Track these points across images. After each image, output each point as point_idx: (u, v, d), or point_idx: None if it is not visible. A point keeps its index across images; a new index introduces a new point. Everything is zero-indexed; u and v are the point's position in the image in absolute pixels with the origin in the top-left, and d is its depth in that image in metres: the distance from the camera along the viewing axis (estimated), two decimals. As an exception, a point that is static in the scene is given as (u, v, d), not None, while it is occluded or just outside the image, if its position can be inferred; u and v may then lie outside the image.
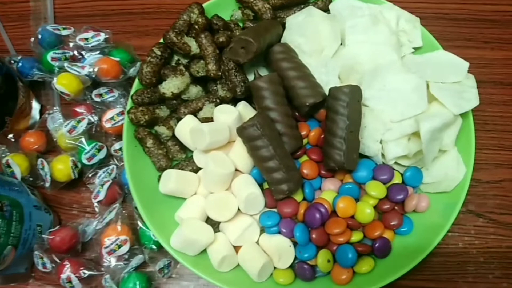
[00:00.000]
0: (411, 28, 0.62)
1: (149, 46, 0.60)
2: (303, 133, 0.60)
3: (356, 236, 0.54)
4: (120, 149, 0.62)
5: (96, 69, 0.60)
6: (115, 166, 0.62)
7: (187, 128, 0.58)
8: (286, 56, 0.60)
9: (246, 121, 0.54)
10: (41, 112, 0.67)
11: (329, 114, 0.55)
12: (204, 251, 0.55)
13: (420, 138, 0.55)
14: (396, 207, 0.57)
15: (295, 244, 0.55)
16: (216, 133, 0.55)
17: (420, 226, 0.56)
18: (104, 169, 0.61)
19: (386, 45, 0.58)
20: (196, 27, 0.62)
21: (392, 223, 0.55)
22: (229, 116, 0.57)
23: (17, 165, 0.59)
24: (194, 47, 0.61)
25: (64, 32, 0.64)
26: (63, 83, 0.60)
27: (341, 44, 0.61)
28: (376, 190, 0.55)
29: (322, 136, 0.59)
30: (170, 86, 0.59)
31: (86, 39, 0.64)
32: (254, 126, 0.53)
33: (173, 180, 0.55)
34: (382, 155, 0.58)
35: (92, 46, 0.63)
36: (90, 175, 0.61)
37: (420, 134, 0.54)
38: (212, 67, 0.60)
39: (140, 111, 0.59)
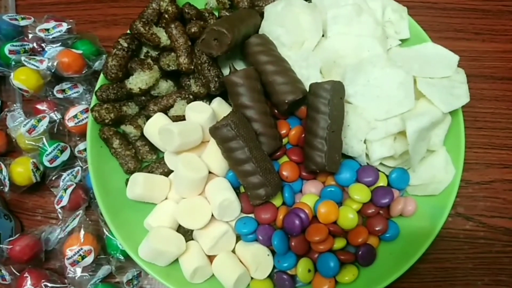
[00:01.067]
0: (397, 19, 0.58)
1: (117, 37, 0.55)
2: (283, 132, 0.55)
3: (339, 243, 0.51)
4: (85, 149, 0.57)
5: (56, 63, 0.55)
6: (80, 168, 0.57)
7: (156, 128, 0.53)
8: (263, 49, 0.55)
9: (220, 121, 0.49)
10: (1, 109, 0.62)
11: (309, 112, 0.51)
12: (176, 260, 0.51)
13: (407, 137, 0.51)
14: (381, 211, 0.53)
15: (273, 252, 0.51)
16: (187, 134, 0.50)
17: (406, 231, 0.53)
18: (69, 171, 0.57)
19: (370, 37, 0.54)
20: (166, 16, 0.57)
21: (377, 229, 0.52)
22: (202, 114, 0.52)
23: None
24: (163, 39, 0.56)
25: (23, 23, 0.59)
26: (20, 79, 0.55)
27: (322, 35, 0.57)
28: (359, 193, 0.52)
29: (303, 135, 0.55)
30: (138, 81, 0.54)
31: (47, 29, 0.58)
32: (228, 126, 0.48)
33: (140, 184, 0.51)
34: (367, 155, 0.54)
35: (53, 38, 0.58)
36: (53, 178, 0.57)
37: (406, 133, 0.50)
38: (183, 60, 0.55)
39: (105, 109, 0.54)
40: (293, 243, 0.50)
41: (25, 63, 0.54)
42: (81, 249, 0.50)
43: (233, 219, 0.52)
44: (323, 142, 0.50)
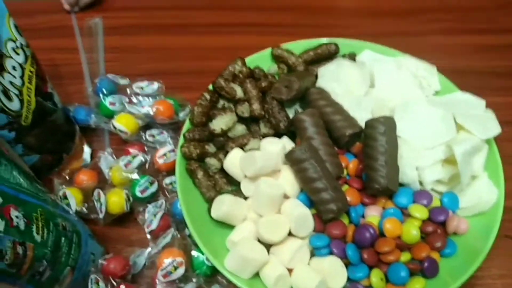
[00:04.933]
0: (429, 75, 0.71)
1: (193, 99, 0.67)
2: (343, 164, 0.64)
3: (405, 257, 0.56)
4: (171, 183, 0.66)
5: (154, 109, 0.67)
6: (163, 201, 0.64)
7: (236, 160, 0.62)
8: (322, 96, 0.67)
9: (293, 147, 0.59)
10: (92, 156, 0.72)
11: (367, 142, 0.61)
12: (257, 275, 0.56)
13: (452, 163, 0.60)
14: (438, 230, 0.59)
15: (346, 266, 0.56)
16: (266, 159, 0.59)
17: (461, 248, 0.58)
18: (154, 203, 0.64)
19: (411, 85, 0.66)
20: (241, 75, 0.70)
21: (437, 245, 0.57)
22: (276, 146, 0.62)
23: (73, 197, 0.62)
24: (238, 92, 0.68)
25: (122, 81, 0.72)
26: (121, 122, 0.66)
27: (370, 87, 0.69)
28: (419, 212, 0.58)
29: (360, 166, 0.63)
30: (220, 123, 0.65)
31: (142, 87, 0.71)
32: (302, 149, 0.58)
33: (226, 204, 0.58)
34: (420, 183, 0.62)
35: (147, 94, 0.71)
36: (141, 209, 0.64)
37: (455, 156, 0.58)
38: (256, 107, 0.66)
39: (192, 145, 0.64)
40: (365, 255, 0.56)
41: (128, 108, 0.66)
42: (175, 260, 0.55)
43: (307, 234, 0.58)
44: (383, 164, 0.58)
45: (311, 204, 0.60)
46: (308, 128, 0.62)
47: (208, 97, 0.67)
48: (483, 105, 0.66)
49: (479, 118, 0.64)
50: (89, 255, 0.57)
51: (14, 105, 0.54)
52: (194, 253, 0.59)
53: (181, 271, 0.55)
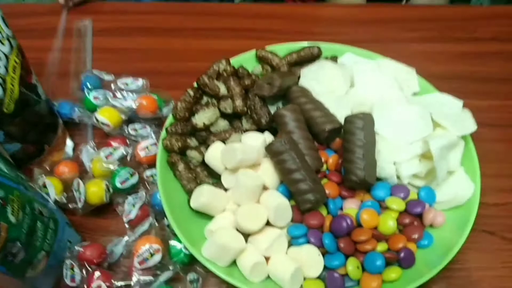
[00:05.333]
0: (408, 76, 0.73)
1: (177, 96, 0.68)
2: (322, 159, 0.65)
3: (381, 247, 0.57)
4: (152, 176, 0.66)
5: (137, 103, 0.68)
6: (144, 193, 0.65)
7: (217, 153, 0.63)
8: (303, 94, 0.68)
9: (273, 140, 0.60)
10: (74, 150, 0.72)
11: (346, 136, 0.62)
12: (234, 264, 0.56)
13: (429, 158, 0.61)
14: (415, 222, 0.60)
15: (322, 254, 0.56)
16: (246, 152, 0.60)
17: (437, 240, 0.59)
18: (133, 195, 0.64)
19: (390, 85, 0.68)
20: (225, 74, 0.72)
21: (414, 236, 0.58)
22: (257, 140, 0.63)
23: (53, 186, 0.62)
24: (222, 89, 0.69)
25: (106, 77, 0.73)
26: (105, 115, 0.66)
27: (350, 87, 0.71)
28: (396, 203, 0.59)
29: (340, 161, 0.64)
30: (202, 117, 0.66)
31: (126, 83, 0.72)
32: (282, 141, 0.59)
33: (205, 194, 0.59)
34: (397, 178, 0.63)
35: (131, 90, 0.72)
36: (120, 201, 0.64)
37: (430, 151, 0.60)
38: (239, 103, 0.68)
39: (174, 138, 0.64)
40: (341, 244, 0.56)
41: (112, 101, 0.67)
42: (151, 246, 0.55)
43: (285, 225, 0.58)
44: (361, 157, 0.59)
45: (290, 196, 0.60)
46: (288, 123, 0.64)
47: (192, 93, 0.69)
48: (460, 105, 0.68)
49: (455, 117, 0.66)
50: (65, 243, 0.57)
51: (-4, 92, 0.55)
52: (172, 242, 0.58)
53: (157, 258, 0.55)
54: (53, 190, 0.62)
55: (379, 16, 0.96)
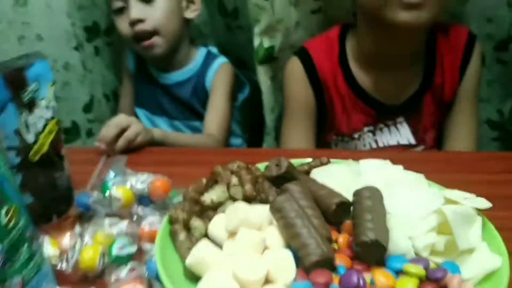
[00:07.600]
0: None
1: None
2: (332, 238, 0.61)
3: (401, 312, 0.48)
4: (150, 249, 0.63)
5: (150, 185, 0.71)
6: (137, 263, 0.61)
7: (220, 223, 0.62)
8: (309, 179, 0.70)
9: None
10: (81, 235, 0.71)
11: (354, 207, 0.61)
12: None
13: (446, 232, 0.58)
14: (439, 291, 0.52)
15: (331, 315, 0.48)
16: (249, 212, 0.59)
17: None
18: (131, 262, 0.60)
19: (397, 171, 0.70)
20: (237, 168, 0.76)
21: (439, 305, 0.49)
22: (262, 208, 0.62)
23: (50, 243, 0.60)
24: (234, 180, 0.72)
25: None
26: (120, 191, 0.69)
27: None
28: (415, 269, 0.53)
29: (351, 239, 0.60)
30: (211, 194, 0.67)
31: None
32: (285, 196, 0.59)
33: (202, 250, 0.55)
34: (416, 255, 0.58)
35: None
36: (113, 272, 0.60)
37: (446, 222, 0.57)
38: (248, 187, 0.69)
39: (180, 210, 0.64)
40: (352, 303, 0.48)
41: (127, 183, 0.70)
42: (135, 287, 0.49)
43: (288, 282, 0.52)
44: (369, 219, 0.57)
45: (296, 259, 0.55)
46: (294, 194, 0.64)
47: (204, 181, 0.72)
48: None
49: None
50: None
51: (29, 138, 0.61)
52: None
53: (140, 301, 0.48)
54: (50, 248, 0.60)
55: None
